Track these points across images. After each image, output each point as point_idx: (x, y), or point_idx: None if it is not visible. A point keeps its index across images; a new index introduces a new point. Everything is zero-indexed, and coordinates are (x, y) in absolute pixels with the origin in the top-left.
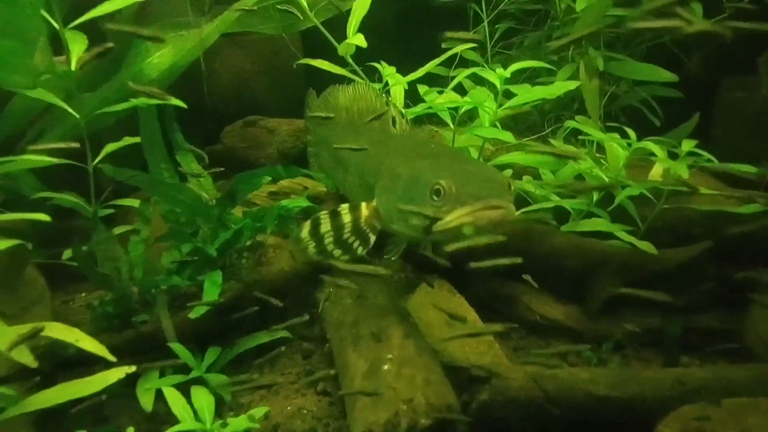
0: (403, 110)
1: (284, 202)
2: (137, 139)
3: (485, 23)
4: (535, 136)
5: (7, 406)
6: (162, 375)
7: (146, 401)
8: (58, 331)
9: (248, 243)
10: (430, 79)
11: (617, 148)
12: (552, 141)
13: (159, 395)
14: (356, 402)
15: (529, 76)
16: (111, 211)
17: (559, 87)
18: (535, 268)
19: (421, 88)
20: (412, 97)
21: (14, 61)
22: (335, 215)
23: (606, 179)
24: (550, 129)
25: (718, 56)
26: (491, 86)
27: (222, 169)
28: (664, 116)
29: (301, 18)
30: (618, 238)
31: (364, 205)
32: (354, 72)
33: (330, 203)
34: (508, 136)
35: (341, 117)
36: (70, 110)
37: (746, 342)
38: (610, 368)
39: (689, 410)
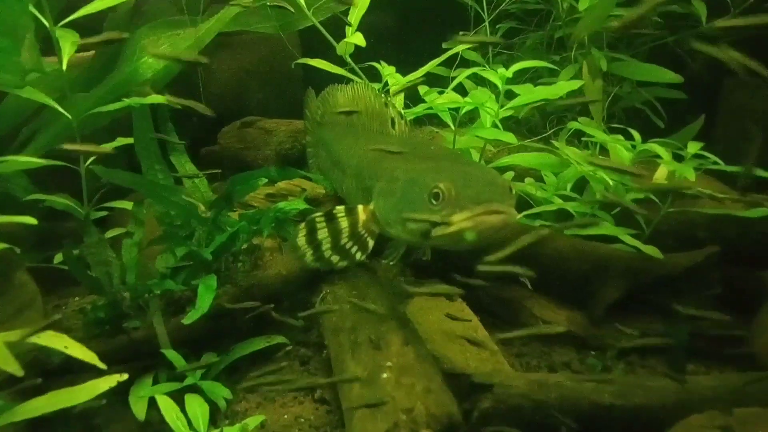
0: (402, 111)
1: (281, 205)
2: (130, 140)
3: (486, 23)
4: (537, 138)
5: None
6: (155, 382)
7: (139, 410)
8: (46, 338)
9: (244, 246)
10: (431, 80)
11: (622, 150)
12: (554, 143)
13: (152, 403)
14: (355, 411)
15: (531, 77)
16: (104, 213)
17: (562, 87)
18: (537, 272)
19: (422, 89)
20: (412, 97)
21: (2, 59)
22: (331, 218)
23: (610, 182)
24: (552, 130)
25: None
26: (492, 87)
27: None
28: (666, 118)
29: (295, 14)
30: (622, 241)
31: (360, 208)
32: (353, 71)
33: (328, 206)
34: (509, 138)
35: (340, 117)
36: (61, 110)
37: (754, 348)
38: (615, 376)
39: (698, 419)
